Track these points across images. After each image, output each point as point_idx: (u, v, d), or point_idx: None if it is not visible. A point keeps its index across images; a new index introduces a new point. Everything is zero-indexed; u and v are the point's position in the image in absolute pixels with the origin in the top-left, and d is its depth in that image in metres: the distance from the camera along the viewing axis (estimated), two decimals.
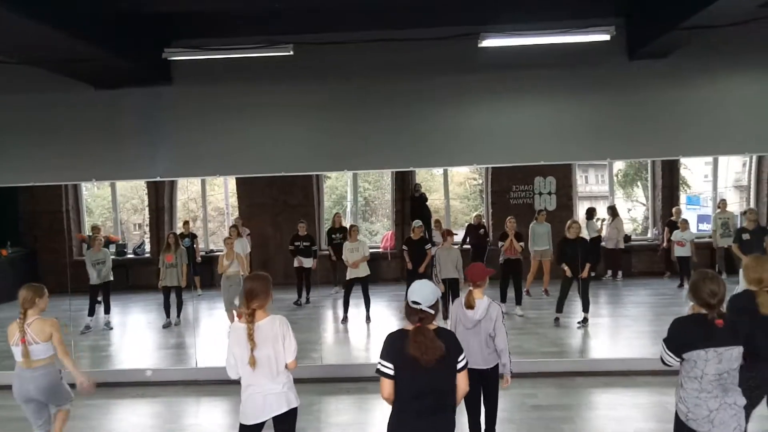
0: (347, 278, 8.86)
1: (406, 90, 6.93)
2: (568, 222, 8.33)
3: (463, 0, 6.53)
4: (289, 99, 7.09)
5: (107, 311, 9.11)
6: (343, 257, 8.99)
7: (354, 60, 6.82)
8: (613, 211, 10.74)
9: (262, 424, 3.67)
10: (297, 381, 3.79)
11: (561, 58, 6.61)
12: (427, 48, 6.53)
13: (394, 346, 3.05)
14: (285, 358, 3.62)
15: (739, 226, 9.28)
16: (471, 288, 4.27)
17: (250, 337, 3.50)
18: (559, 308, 8.22)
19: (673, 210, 10.85)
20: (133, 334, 9.23)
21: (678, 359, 3.27)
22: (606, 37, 6.04)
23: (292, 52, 6.21)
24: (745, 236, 7.79)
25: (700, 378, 3.17)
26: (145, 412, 6.06)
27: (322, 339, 8.02)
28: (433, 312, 3.07)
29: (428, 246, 9.07)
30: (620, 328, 8.62)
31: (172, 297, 8.98)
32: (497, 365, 4.35)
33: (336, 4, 6.50)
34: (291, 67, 6.71)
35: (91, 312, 8.83)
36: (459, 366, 3.10)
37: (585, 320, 8.08)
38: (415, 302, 3.06)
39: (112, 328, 9.04)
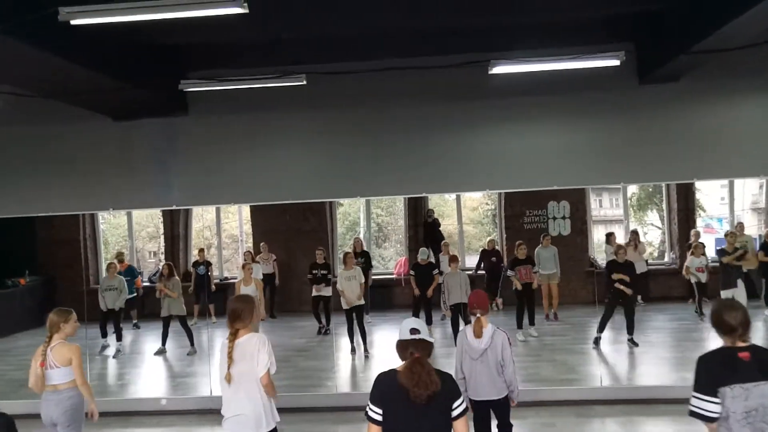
0: (344, 308, 8.53)
1: (418, 117, 7.00)
2: (616, 246, 8.47)
3: (473, 28, 6.62)
4: (302, 127, 7.19)
5: (119, 338, 9.25)
6: (338, 287, 8.65)
7: (366, 88, 6.90)
8: (636, 235, 10.61)
9: None
10: (312, 410, 3.77)
11: (571, 83, 6.64)
12: (438, 75, 6.61)
13: (383, 386, 2.85)
14: (257, 373, 3.65)
15: (757, 249, 9.20)
16: (478, 315, 4.23)
17: (229, 354, 3.65)
18: (602, 328, 8.13)
19: (692, 233, 10.67)
20: (148, 362, 9.23)
21: (718, 401, 2.87)
22: (616, 63, 6.07)
23: (305, 82, 6.31)
24: None
25: (727, 418, 2.87)
26: None
27: (336, 367, 7.96)
28: (432, 340, 2.94)
29: (436, 271, 9.04)
30: (640, 354, 8.46)
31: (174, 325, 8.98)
32: (506, 396, 4.30)
33: (347, 33, 6.63)
34: (304, 96, 6.82)
35: (104, 334, 9.11)
36: (455, 412, 2.81)
37: (632, 341, 8.03)
38: (414, 329, 2.90)
39: (121, 355, 9.12)
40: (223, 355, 3.73)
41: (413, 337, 2.88)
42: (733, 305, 3.09)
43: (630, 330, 8.05)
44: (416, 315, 9.06)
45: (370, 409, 2.84)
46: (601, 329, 8.12)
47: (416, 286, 8.95)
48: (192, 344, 8.91)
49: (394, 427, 2.79)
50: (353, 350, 8.58)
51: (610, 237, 10.62)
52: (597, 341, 8.13)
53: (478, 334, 4.18)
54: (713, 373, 2.93)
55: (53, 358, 4.31)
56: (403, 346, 2.90)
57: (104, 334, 9.22)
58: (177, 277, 9.16)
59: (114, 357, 9.10)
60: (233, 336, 3.69)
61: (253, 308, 3.77)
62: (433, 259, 10.34)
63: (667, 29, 6.18)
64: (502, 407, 4.28)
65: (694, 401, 2.97)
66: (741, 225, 10.02)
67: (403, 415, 2.77)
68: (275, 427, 3.77)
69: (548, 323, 9.65)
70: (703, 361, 3.00)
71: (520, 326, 8.73)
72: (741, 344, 2.95)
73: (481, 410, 4.32)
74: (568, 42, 6.54)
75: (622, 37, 6.75)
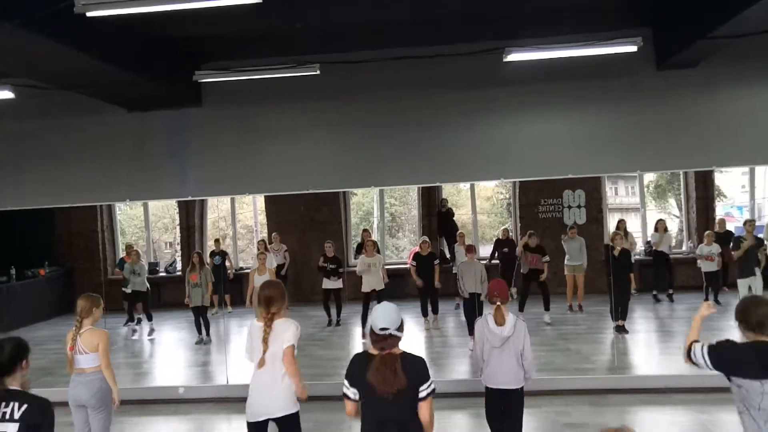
0: (363, 291, 8.84)
1: (432, 106, 6.96)
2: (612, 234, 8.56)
3: (487, 15, 6.55)
4: (316, 117, 7.19)
5: (149, 318, 9.87)
6: (357, 271, 9.00)
7: (379, 77, 6.88)
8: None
9: (265, 424, 3.78)
10: (327, 398, 3.79)
11: (587, 69, 6.56)
12: (452, 63, 6.56)
13: (356, 371, 3.00)
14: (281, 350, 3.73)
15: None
16: (498, 303, 4.21)
17: (265, 340, 3.71)
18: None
19: (717, 221, 10.52)
20: (165, 351, 9.37)
21: (711, 367, 2.98)
22: (633, 49, 5.97)
23: (318, 72, 6.30)
24: None
25: (757, 409, 2.82)
26: (178, 429, 6.12)
27: (351, 356, 8.01)
28: (401, 335, 3.01)
29: (436, 261, 9.07)
30: (656, 343, 8.41)
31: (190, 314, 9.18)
32: (522, 386, 4.28)
33: (360, 22, 6.60)
34: (317, 86, 6.81)
35: (132, 318, 9.94)
36: (422, 395, 2.92)
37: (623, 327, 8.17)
38: (383, 329, 2.96)
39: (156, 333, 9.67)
40: (256, 339, 3.78)
41: (382, 333, 2.96)
42: (761, 301, 3.04)
43: (623, 316, 8.20)
44: (423, 305, 9.10)
45: (346, 386, 3.04)
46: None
47: (417, 276, 8.99)
48: (208, 334, 9.02)
49: (367, 409, 2.98)
50: (365, 335, 8.63)
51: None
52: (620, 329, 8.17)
53: (500, 322, 4.17)
54: (735, 359, 2.92)
55: (82, 344, 4.39)
56: (374, 339, 2.99)
57: (131, 319, 9.93)
58: (207, 266, 9.32)
59: (149, 337, 9.60)
60: (270, 321, 3.75)
61: (283, 292, 3.87)
62: (445, 249, 10.33)
63: (686, 14, 6.06)
64: (517, 398, 4.27)
65: (698, 348, 3.02)
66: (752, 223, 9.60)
67: (374, 401, 2.93)
68: (297, 412, 3.83)
69: (571, 313, 9.62)
70: (733, 344, 2.98)
71: (521, 309, 8.87)
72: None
73: (494, 397, 4.32)
74: (583, 28, 6.45)
75: (638, 22, 6.64)
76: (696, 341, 3.09)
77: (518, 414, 4.29)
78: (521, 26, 6.44)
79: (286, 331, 3.76)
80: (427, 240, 9.34)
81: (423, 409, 2.94)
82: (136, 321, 9.96)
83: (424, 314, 9.14)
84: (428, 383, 2.96)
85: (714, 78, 6.66)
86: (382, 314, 3.01)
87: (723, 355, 2.98)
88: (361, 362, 3.00)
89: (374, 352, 2.97)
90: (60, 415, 4.60)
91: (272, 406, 3.75)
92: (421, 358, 3.04)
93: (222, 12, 4.85)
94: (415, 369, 2.95)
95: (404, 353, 2.98)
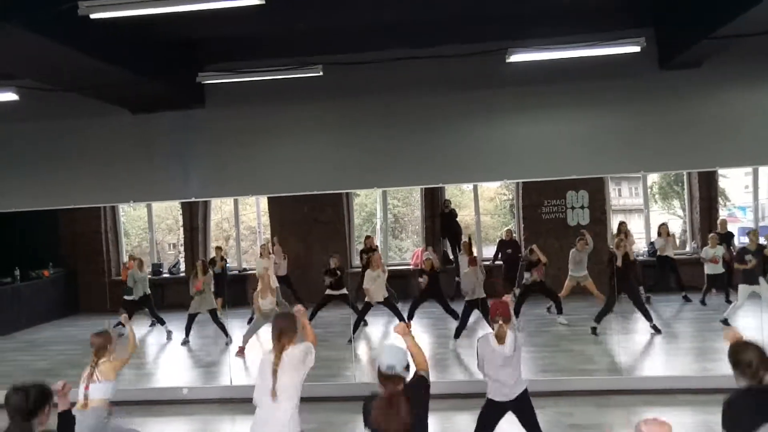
0: (366, 301, 8.73)
1: (435, 106, 6.96)
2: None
3: (489, 16, 6.55)
4: (318, 118, 7.20)
5: (162, 322, 9.83)
6: (365, 287, 8.77)
7: (382, 78, 6.88)
8: (665, 228, 10.43)
9: None
10: (332, 399, 3.79)
11: (590, 70, 6.55)
12: (455, 64, 6.56)
13: (369, 417, 2.86)
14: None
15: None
16: (500, 323, 4.22)
17: (275, 372, 3.67)
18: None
19: (719, 222, 10.47)
20: (169, 352, 9.37)
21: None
22: (636, 49, 5.96)
23: (321, 73, 6.31)
24: None
25: None
26: (182, 430, 6.12)
27: (357, 357, 8.01)
28: (405, 377, 3.05)
29: (421, 280, 8.97)
30: (660, 344, 8.38)
31: (203, 320, 9.11)
32: (525, 389, 4.32)
33: (363, 23, 6.61)
34: (320, 87, 6.82)
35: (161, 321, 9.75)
36: (409, 376, 3.05)
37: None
38: (390, 366, 2.99)
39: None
40: (265, 371, 3.75)
41: (388, 373, 3.00)
42: (747, 344, 3.04)
43: (648, 317, 8.16)
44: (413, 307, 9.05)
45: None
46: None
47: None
48: (226, 335, 8.90)
49: None
50: (350, 341, 8.32)
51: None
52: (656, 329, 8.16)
53: (501, 341, 4.19)
54: (738, 420, 2.85)
55: (99, 374, 4.45)
56: (381, 379, 3.03)
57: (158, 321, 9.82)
58: (211, 273, 9.40)
59: (168, 339, 9.52)
60: (279, 352, 3.73)
61: (295, 324, 3.88)
62: (448, 250, 10.24)
63: (689, 13, 6.04)
64: (526, 401, 4.30)
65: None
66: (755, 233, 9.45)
67: None
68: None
69: (576, 315, 9.51)
70: (728, 405, 2.93)
71: (516, 315, 8.79)
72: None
73: (496, 411, 4.35)
74: (586, 28, 6.44)
75: (642, 22, 6.63)
76: None
77: (532, 416, 4.32)
78: (524, 27, 6.44)
79: (297, 351, 3.76)
80: (430, 257, 9.21)
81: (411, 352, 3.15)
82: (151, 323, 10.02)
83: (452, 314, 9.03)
84: (415, 377, 3.08)
85: (718, 78, 6.64)
86: (390, 353, 3.06)
87: (733, 426, 2.89)
88: (372, 407, 2.89)
89: (375, 406, 2.85)
90: None
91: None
92: (416, 376, 3.10)
93: (225, 13, 4.86)
94: (416, 394, 2.98)
95: (405, 386, 3.01)
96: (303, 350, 3.78)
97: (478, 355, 4.38)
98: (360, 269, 10.31)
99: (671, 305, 10.13)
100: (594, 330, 8.17)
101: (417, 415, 2.91)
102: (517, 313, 8.79)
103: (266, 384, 3.69)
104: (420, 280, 9.04)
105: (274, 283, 9.55)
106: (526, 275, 9.05)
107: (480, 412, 4.41)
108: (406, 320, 8.77)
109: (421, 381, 3.15)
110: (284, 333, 3.78)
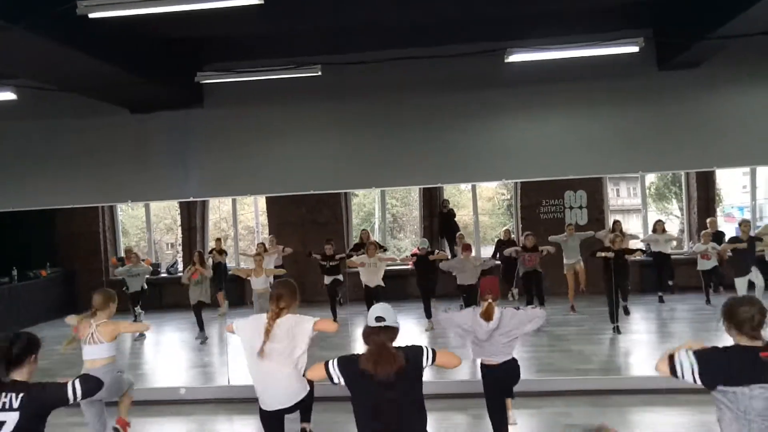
0: (364, 286, 8.91)
1: (433, 106, 6.95)
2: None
3: (488, 16, 6.55)
4: (317, 118, 7.19)
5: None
6: (356, 261, 9.10)
7: (381, 78, 6.87)
8: (660, 225, 10.46)
9: (281, 414, 3.81)
10: (332, 399, 3.78)
11: (589, 70, 6.55)
12: (453, 64, 6.55)
13: (348, 370, 2.96)
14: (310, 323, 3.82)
15: None
16: (490, 301, 4.27)
17: (267, 332, 3.71)
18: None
19: (708, 221, 10.53)
20: (166, 352, 9.37)
21: (697, 374, 2.86)
22: (635, 49, 5.96)
23: (320, 73, 6.30)
24: None
25: (744, 413, 2.72)
26: (179, 430, 6.11)
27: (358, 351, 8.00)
28: (397, 326, 3.02)
29: (432, 254, 9.18)
30: (658, 344, 8.39)
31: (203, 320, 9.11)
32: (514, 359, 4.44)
33: (362, 23, 6.60)
34: (318, 87, 6.81)
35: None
36: (428, 362, 2.98)
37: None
38: (379, 317, 2.98)
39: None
40: (257, 331, 3.76)
41: (378, 324, 2.97)
42: (750, 300, 2.96)
43: (624, 297, 8.44)
44: (426, 306, 9.08)
45: (332, 367, 2.98)
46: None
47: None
48: (202, 329, 8.97)
49: (359, 403, 2.94)
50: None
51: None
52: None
53: (488, 318, 4.23)
54: (721, 368, 2.82)
55: (98, 334, 4.41)
56: (367, 334, 2.99)
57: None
58: (209, 263, 9.47)
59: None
60: (275, 315, 3.77)
61: (294, 291, 3.92)
62: (447, 250, 10.29)
63: (687, 14, 6.05)
64: (514, 369, 4.41)
65: (681, 358, 2.93)
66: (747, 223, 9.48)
67: (371, 387, 2.85)
68: (309, 391, 3.88)
69: (574, 314, 9.54)
70: (718, 351, 2.88)
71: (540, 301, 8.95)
72: (758, 343, 2.82)
73: (493, 378, 4.45)
74: (585, 28, 6.44)
75: (640, 22, 6.63)
76: (679, 349, 2.98)
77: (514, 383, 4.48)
78: (522, 27, 6.43)
79: (297, 333, 3.74)
80: (427, 241, 9.45)
81: (442, 361, 3.01)
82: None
83: (428, 315, 9.11)
84: (425, 351, 2.99)
85: (716, 78, 6.64)
86: (379, 309, 3.05)
87: (712, 363, 2.86)
88: (351, 362, 2.98)
89: (363, 354, 2.95)
90: (67, 416, 4.65)
91: (284, 397, 3.80)
92: (416, 346, 3.05)
93: (224, 13, 4.85)
94: (411, 349, 2.98)
95: (402, 348, 3.00)
96: (296, 320, 3.79)
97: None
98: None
99: (671, 305, 10.15)
100: (617, 329, 8.16)
101: (415, 378, 2.92)
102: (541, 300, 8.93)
103: (256, 343, 3.73)
104: (407, 257, 9.20)
105: (269, 265, 9.65)
106: (511, 250, 9.37)
107: (485, 393, 4.50)
108: (427, 319, 9.02)
109: (420, 348, 3.05)
110: (282, 297, 3.82)
